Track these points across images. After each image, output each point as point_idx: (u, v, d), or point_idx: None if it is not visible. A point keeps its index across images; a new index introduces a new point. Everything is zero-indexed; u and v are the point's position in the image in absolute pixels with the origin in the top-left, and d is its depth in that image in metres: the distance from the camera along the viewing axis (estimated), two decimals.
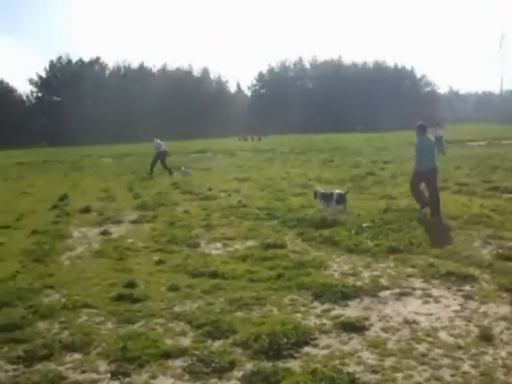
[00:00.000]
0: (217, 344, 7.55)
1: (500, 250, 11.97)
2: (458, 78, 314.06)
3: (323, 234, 14.00)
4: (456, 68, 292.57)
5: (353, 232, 14.06)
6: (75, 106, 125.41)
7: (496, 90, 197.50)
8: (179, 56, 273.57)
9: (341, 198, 16.66)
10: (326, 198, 17.02)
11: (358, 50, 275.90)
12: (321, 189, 18.27)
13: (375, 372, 6.64)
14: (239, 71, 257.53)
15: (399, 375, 6.56)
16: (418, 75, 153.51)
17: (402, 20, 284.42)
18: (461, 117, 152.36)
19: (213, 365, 6.84)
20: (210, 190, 24.46)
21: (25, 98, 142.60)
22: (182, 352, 7.31)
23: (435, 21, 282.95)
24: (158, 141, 35.55)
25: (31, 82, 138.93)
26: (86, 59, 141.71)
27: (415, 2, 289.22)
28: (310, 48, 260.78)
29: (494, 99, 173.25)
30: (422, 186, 16.96)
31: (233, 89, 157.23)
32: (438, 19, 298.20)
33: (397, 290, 9.63)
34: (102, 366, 7.08)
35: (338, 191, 17.21)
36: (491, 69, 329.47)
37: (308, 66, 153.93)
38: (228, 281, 10.45)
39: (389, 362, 6.90)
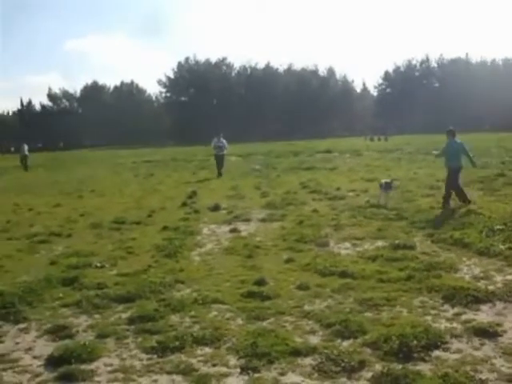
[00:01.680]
0: (346, 344, 7.55)
1: None
2: None
3: (453, 235, 13.75)
4: None
5: (484, 234, 13.71)
6: (202, 105, 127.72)
7: None
8: (305, 56, 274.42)
9: (387, 186, 19.77)
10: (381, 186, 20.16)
11: (486, 47, 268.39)
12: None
13: (510, 381, 6.46)
14: (365, 71, 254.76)
15: None
16: None
17: None
18: None
19: (342, 364, 6.84)
20: (337, 189, 24.42)
21: (154, 98, 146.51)
22: (311, 350, 7.34)
23: None
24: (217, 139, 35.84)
25: (160, 82, 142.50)
26: (213, 60, 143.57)
27: None
28: (437, 47, 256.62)
29: None
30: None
31: (359, 88, 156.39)
32: None
33: None
34: (232, 360, 7.22)
35: (384, 180, 20.46)
36: None
37: (435, 64, 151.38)
38: (357, 281, 10.42)
39: None
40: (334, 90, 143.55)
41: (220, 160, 35.43)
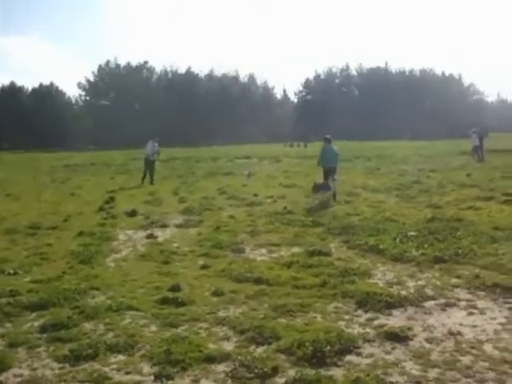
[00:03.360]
0: (260, 350, 7.57)
1: None
2: (507, 85, 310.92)
3: (368, 242, 13.95)
4: (505, 76, 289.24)
5: (398, 241, 13.96)
6: (123, 109, 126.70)
7: None
8: (225, 61, 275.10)
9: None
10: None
11: (405, 57, 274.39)
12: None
13: (418, 383, 6.59)
14: (285, 78, 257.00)
15: None
16: (466, 83, 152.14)
17: (448, 27, 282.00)
18: (510, 126, 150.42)
19: (256, 370, 6.84)
20: (255, 195, 24.49)
21: (74, 101, 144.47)
22: (225, 357, 7.32)
23: (482, 26, 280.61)
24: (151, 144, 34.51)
25: (79, 85, 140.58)
26: (134, 63, 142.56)
27: (461, 8, 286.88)
28: (356, 55, 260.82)
29: None
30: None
31: (279, 95, 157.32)
32: (484, 25, 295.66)
33: (442, 301, 9.53)
34: (146, 368, 7.15)
35: None
36: None
37: (355, 72, 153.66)
38: (272, 287, 10.45)
39: (432, 373, 6.83)
40: (255, 97, 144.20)
41: (152, 166, 33.80)
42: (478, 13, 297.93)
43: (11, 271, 12.29)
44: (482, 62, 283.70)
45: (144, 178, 33.30)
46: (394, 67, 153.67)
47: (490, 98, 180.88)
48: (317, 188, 23.45)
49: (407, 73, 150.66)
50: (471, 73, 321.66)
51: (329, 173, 23.27)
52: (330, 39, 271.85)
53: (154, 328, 8.57)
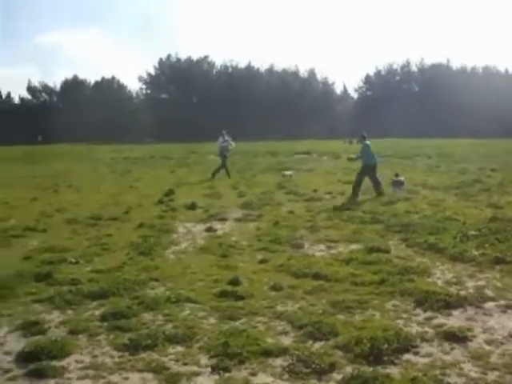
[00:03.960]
0: (317, 345, 7.57)
1: None
2: None
3: (428, 240, 13.80)
4: None
5: (458, 240, 13.80)
6: (182, 103, 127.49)
7: None
8: (286, 57, 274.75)
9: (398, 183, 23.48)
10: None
11: (467, 53, 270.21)
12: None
13: None
14: (346, 73, 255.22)
15: None
16: None
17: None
18: None
19: (313, 366, 6.85)
20: (314, 191, 24.49)
21: (134, 94, 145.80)
22: (282, 351, 7.35)
23: None
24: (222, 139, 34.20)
25: (140, 79, 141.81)
26: (195, 57, 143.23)
27: None
28: (418, 51, 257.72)
29: None
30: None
31: (339, 90, 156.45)
32: None
33: (502, 302, 9.38)
34: (203, 359, 7.22)
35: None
36: None
37: (415, 69, 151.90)
38: (331, 283, 10.43)
39: (492, 375, 6.73)
40: (315, 92, 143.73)
41: (224, 160, 33.72)
42: None
43: (73, 260, 12.59)
44: None
45: (227, 172, 33.41)
46: (455, 64, 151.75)
47: None
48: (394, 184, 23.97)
49: (469, 70, 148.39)
50: None
51: (373, 170, 23.42)
52: (390, 34, 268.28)
53: (212, 320, 8.64)
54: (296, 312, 8.88)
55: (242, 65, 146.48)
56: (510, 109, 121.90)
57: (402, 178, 23.88)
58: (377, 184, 23.10)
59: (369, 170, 23.28)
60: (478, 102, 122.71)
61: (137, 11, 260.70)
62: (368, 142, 24.01)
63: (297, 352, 7.25)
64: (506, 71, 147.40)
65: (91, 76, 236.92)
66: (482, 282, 10.56)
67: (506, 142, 72.26)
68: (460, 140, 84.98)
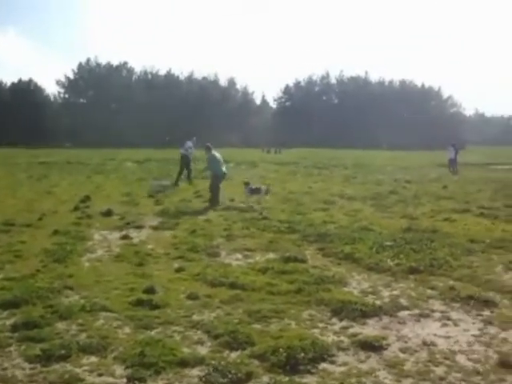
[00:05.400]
0: (234, 355, 7.53)
1: None
2: (484, 101, 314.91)
3: (344, 250, 13.96)
4: (482, 91, 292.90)
5: (374, 250, 13.99)
6: (100, 108, 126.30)
7: None
8: (206, 65, 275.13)
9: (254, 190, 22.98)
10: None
11: (384, 67, 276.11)
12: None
13: None
14: (265, 83, 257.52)
15: None
16: (445, 96, 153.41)
17: (430, 39, 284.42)
18: (486, 139, 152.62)
19: (229, 376, 6.79)
20: (231, 200, 24.44)
21: (52, 98, 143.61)
22: (198, 361, 7.27)
23: (464, 43, 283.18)
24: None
25: (58, 82, 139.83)
26: (114, 63, 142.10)
27: (441, 22, 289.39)
28: (337, 63, 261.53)
29: None
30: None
31: (258, 100, 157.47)
32: (466, 41, 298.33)
33: (416, 311, 9.57)
34: (118, 370, 7.09)
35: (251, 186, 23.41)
36: None
37: (334, 81, 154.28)
38: (247, 292, 10.41)
39: (406, 383, 6.86)
40: (234, 101, 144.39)
41: (189, 164, 33.64)
42: (459, 28, 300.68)
43: None
44: (462, 75, 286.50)
45: (180, 175, 33.04)
46: (374, 77, 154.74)
47: (468, 111, 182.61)
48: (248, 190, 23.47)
49: (387, 83, 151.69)
50: (450, 86, 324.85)
51: (220, 180, 24.31)
52: (311, 46, 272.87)
53: (127, 330, 8.49)
54: (212, 321, 8.81)
55: (162, 72, 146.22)
56: (425, 122, 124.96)
57: (253, 186, 23.78)
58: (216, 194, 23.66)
59: (220, 178, 24.30)
60: (395, 114, 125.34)
61: (56, 13, 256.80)
62: (214, 153, 24.70)
63: (213, 362, 7.18)
64: (423, 85, 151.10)
65: (6, 78, 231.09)
66: (396, 292, 10.75)
67: (424, 155, 73.87)
68: (378, 151, 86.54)
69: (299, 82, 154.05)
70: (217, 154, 24.68)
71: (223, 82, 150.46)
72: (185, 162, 33.29)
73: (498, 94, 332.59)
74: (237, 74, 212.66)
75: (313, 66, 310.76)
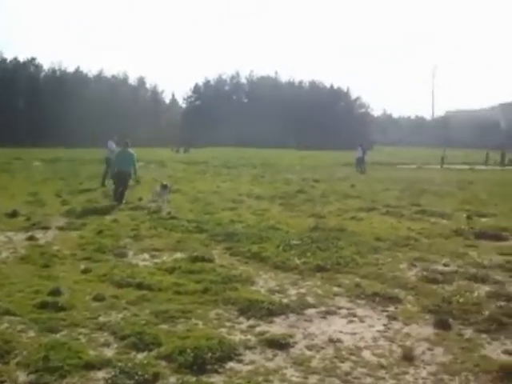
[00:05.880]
0: (141, 356, 7.46)
1: (425, 273, 12.26)
2: (392, 102, 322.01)
3: (251, 249, 14.02)
4: (390, 93, 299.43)
5: (281, 249, 14.09)
6: (7, 105, 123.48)
7: (428, 116, 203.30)
8: (115, 63, 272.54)
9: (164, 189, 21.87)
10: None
11: (295, 68, 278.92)
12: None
13: None
14: (175, 82, 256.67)
15: None
16: (353, 96, 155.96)
17: (339, 41, 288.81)
18: (393, 140, 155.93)
19: (136, 377, 6.73)
20: (140, 199, 24.24)
21: None
22: (105, 363, 7.17)
23: (371, 45, 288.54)
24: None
25: None
26: (21, 59, 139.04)
27: (351, 24, 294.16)
28: (247, 63, 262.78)
29: (425, 124, 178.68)
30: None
31: (168, 99, 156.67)
32: (374, 44, 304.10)
33: (322, 309, 9.69)
34: (22, 376, 6.90)
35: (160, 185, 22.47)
36: (423, 95, 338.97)
37: (244, 80, 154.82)
38: (154, 292, 10.32)
39: (312, 379, 6.94)
40: (144, 100, 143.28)
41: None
42: (368, 32, 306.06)
43: None
44: (369, 77, 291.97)
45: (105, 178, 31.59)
46: (284, 77, 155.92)
47: (376, 112, 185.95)
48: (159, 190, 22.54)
49: (296, 83, 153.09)
50: (358, 87, 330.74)
51: (122, 177, 23.73)
52: (220, 46, 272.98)
53: (31, 333, 8.29)
54: (119, 323, 8.70)
55: (71, 69, 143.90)
56: (334, 122, 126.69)
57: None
58: (121, 191, 23.61)
59: (126, 175, 23.83)
60: (305, 114, 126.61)
61: None
62: (125, 150, 24.46)
63: (120, 364, 7.09)
64: (332, 86, 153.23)
65: None
66: (303, 290, 10.86)
67: (330, 154, 74.91)
68: (287, 151, 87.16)
69: (209, 81, 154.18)
70: (129, 151, 24.22)
71: (133, 80, 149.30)
72: (108, 163, 32.50)
73: (405, 95, 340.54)
74: (147, 73, 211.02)
75: (223, 66, 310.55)
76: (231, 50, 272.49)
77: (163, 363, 7.24)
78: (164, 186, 21.47)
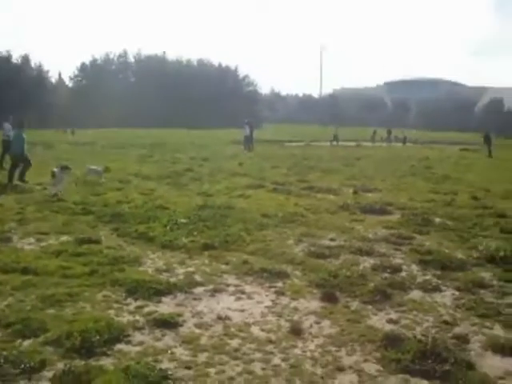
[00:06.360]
0: (27, 343, 7.31)
1: (312, 248, 12.57)
2: (281, 80, 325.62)
3: (139, 229, 13.95)
4: (279, 71, 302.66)
5: (168, 228, 14.10)
6: None
7: (316, 94, 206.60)
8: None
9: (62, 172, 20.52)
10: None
11: (184, 46, 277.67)
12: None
13: (188, 368, 6.74)
14: (63, 62, 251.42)
15: (212, 370, 6.69)
16: (241, 75, 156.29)
17: (227, 20, 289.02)
18: (282, 117, 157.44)
19: (22, 366, 6.58)
20: (25, 182, 23.66)
21: None
22: None
23: (260, 25, 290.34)
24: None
25: None
26: None
27: (239, 3, 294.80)
28: (135, 42, 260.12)
29: (313, 102, 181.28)
30: None
31: (54, 79, 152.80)
32: (263, 24, 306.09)
33: (210, 287, 9.79)
34: None
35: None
36: (312, 73, 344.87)
37: (132, 59, 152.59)
38: (40, 277, 10.10)
39: (202, 357, 7.01)
40: (29, 80, 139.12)
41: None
42: (254, 9, 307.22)
43: None
44: (257, 56, 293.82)
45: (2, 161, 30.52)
46: (171, 56, 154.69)
47: (264, 90, 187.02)
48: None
49: (185, 62, 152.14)
50: (247, 66, 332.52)
51: (20, 159, 23.40)
52: (109, 24, 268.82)
53: None
54: (3, 310, 8.49)
55: None
56: (223, 100, 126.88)
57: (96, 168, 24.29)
58: (15, 172, 23.37)
59: (19, 158, 23.34)
60: (194, 93, 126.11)
61: None
62: (19, 131, 23.92)
63: (5, 352, 6.88)
64: (220, 65, 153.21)
65: None
66: (191, 269, 10.93)
67: (220, 133, 75.05)
68: (177, 130, 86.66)
69: (96, 60, 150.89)
70: (21, 133, 23.60)
71: (16, 58, 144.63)
72: (5, 145, 31.41)
73: (293, 73, 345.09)
74: (31, 51, 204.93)
75: (111, 44, 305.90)
76: (119, 29, 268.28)
77: (50, 349, 7.13)
78: (64, 168, 20.92)
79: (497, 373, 6.89)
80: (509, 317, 8.74)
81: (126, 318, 8.24)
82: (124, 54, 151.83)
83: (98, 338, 7.26)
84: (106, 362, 6.82)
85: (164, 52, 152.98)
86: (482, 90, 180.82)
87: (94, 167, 25.04)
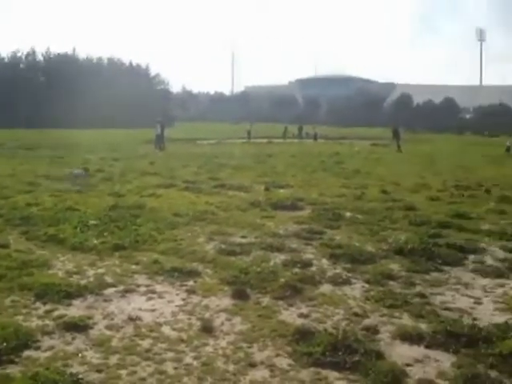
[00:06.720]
0: None
1: (223, 246, 12.62)
2: (192, 78, 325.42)
3: (48, 232, 13.68)
4: (190, 69, 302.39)
5: (78, 230, 13.91)
6: None
7: (227, 92, 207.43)
8: None
9: None
10: None
11: (95, 45, 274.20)
12: None
13: (99, 371, 6.68)
14: None
15: (123, 372, 6.66)
16: (153, 73, 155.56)
17: (137, 17, 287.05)
18: (194, 115, 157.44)
19: None
20: None
21: None
22: None
23: (170, 22, 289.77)
24: None
25: None
26: None
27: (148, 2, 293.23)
28: (44, 40, 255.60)
29: (225, 99, 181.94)
30: None
31: None
32: (173, 22, 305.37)
33: (121, 288, 9.74)
34: None
35: None
36: (224, 71, 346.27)
37: (41, 58, 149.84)
38: None
39: (113, 359, 6.97)
40: None
41: None
42: (163, 7, 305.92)
43: None
44: (168, 54, 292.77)
45: None
46: (81, 54, 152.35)
47: (175, 88, 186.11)
48: None
49: (95, 60, 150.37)
50: (158, 64, 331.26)
51: None
52: (17, 21, 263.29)
53: None
54: None
55: None
56: (135, 99, 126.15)
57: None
58: None
59: None
60: (105, 92, 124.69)
61: None
62: None
63: None
64: (131, 63, 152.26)
65: None
66: (102, 270, 10.84)
67: (131, 132, 74.57)
68: (90, 130, 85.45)
69: (3, 59, 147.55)
70: None
71: None
72: None
73: (204, 71, 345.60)
74: None
75: (19, 42, 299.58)
76: (27, 26, 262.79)
77: None
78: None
79: (405, 361, 7.07)
80: (416, 306, 8.99)
81: (34, 323, 8.09)
82: (32, 53, 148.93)
83: (4, 345, 7.09)
84: (14, 370, 6.67)
85: (74, 49, 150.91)
86: (391, 86, 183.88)
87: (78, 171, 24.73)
